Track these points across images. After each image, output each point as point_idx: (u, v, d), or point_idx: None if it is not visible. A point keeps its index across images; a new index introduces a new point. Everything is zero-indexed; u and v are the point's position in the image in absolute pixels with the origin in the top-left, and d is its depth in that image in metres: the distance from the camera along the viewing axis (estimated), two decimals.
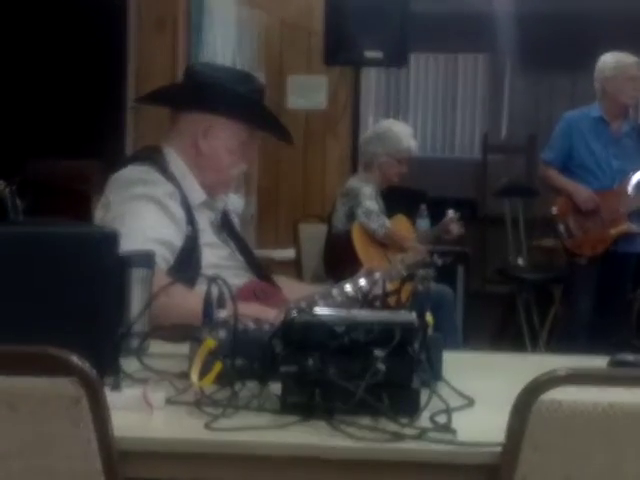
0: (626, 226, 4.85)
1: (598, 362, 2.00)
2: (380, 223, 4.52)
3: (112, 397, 1.56)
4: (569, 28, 7.44)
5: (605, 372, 1.68)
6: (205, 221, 2.54)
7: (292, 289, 2.59)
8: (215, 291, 1.89)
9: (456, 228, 4.81)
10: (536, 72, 8.41)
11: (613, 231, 4.85)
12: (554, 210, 4.97)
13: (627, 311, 5.12)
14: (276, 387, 1.67)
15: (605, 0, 6.68)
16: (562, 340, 4.96)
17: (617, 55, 4.91)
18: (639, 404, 1.49)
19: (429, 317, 1.83)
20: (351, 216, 4.62)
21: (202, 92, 2.52)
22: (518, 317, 5.91)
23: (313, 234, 4.96)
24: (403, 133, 4.82)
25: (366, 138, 4.89)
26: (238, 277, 2.45)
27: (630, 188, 4.85)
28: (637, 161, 4.89)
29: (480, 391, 1.80)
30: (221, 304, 1.89)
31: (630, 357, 2.02)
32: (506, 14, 6.66)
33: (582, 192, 4.86)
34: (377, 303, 2.12)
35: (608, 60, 4.91)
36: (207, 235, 2.51)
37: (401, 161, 4.79)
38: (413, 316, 1.74)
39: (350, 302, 2.28)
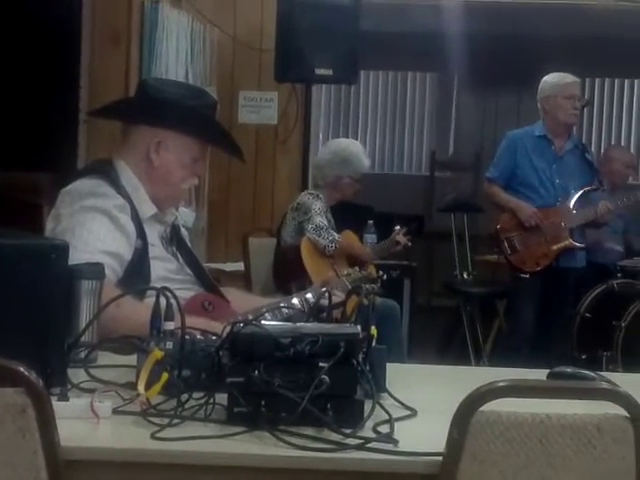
0: (568, 242, 4.94)
1: (538, 375, 2.04)
2: (330, 239, 4.56)
3: (59, 407, 1.57)
4: (515, 48, 7.54)
5: (543, 384, 1.72)
6: (155, 234, 2.55)
7: (241, 301, 2.61)
8: (163, 303, 1.91)
9: (403, 239, 4.87)
10: (483, 91, 8.50)
11: (555, 247, 4.94)
12: (498, 226, 5.05)
13: (568, 325, 5.21)
14: (222, 398, 1.68)
15: (550, 21, 6.76)
16: (505, 353, 5.03)
17: (557, 75, 5.02)
18: (576, 415, 1.53)
19: (373, 330, 1.86)
20: (300, 231, 4.65)
21: (154, 107, 2.54)
22: (463, 330, 5.97)
23: (263, 248, 4.98)
24: (361, 153, 4.89)
25: (325, 160, 4.89)
26: (187, 290, 2.47)
27: (572, 205, 4.96)
28: (579, 179, 4.99)
29: (423, 402, 1.83)
30: (169, 316, 1.91)
31: (568, 369, 2.06)
32: (455, 33, 6.73)
33: (525, 209, 4.94)
34: (324, 315, 2.15)
35: (549, 80, 5.02)
36: (156, 248, 2.53)
37: (359, 180, 4.87)
38: (357, 329, 1.77)
39: (298, 314, 2.31)
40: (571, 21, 6.83)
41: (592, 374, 2.02)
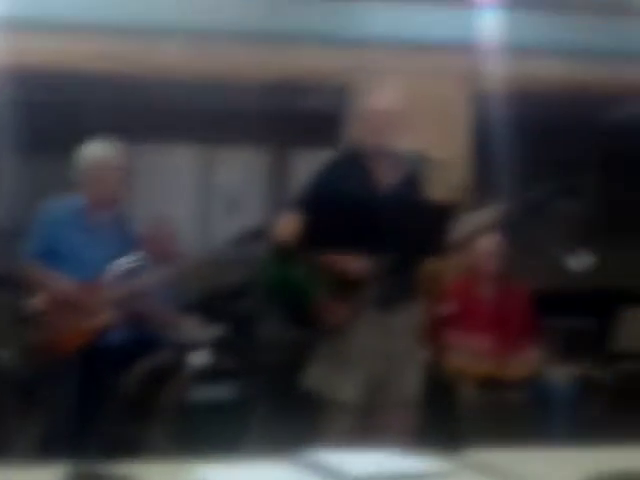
0: (106, 318, 4.66)
1: None
2: None
3: None
4: (66, 114, 7.32)
5: None
6: None
7: None
8: None
9: None
10: (30, 158, 8.15)
11: (92, 324, 4.66)
12: (35, 305, 4.66)
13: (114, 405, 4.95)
14: None
15: (93, 86, 6.62)
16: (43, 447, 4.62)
17: (94, 145, 4.77)
18: None
19: None
20: None
21: None
22: None
23: None
24: None
25: None
26: None
27: (110, 279, 4.71)
28: (118, 251, 4.78)
29: None
30: None
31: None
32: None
33: (62, 283, 4.62)
34: None
35: (86, 150, 4.77)
36: None
37: None
38: None
39: None
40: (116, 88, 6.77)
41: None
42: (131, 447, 4.84)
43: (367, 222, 3.91)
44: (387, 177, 4.24)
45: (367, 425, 4.11)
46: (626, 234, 8.90)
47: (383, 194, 4.19)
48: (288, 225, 4.15)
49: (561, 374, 5.24)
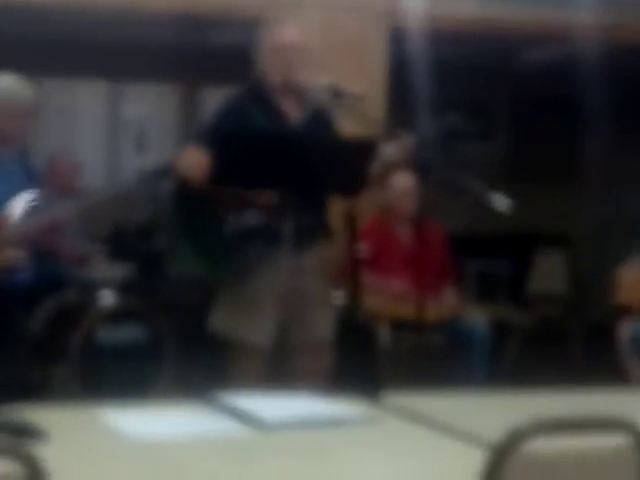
0: (9, 255, 4.47)
1: None
2: None
3: None
4: None
5: None
6: None
7: None
8: None
9: None
10: None
11: None
12: None
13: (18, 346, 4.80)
14: None
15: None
16: None
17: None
18: None
19: None
20: None
21: None
22: None
23: None
24: None
25: None
26: None
27: (13, 215, 4.52)
28: (21, 187, 4.59)
29: None
30: None
31: None
32: None
33: None
34: None
35: None
36: None
37: None
38: None
39: None
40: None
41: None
42: (36, 391, 4.73)
43: (273, 157, 3.80)
44: (294, 112, 4.14)
45: (280, 368, 4.04)
46: (537, 178, 8.97)
47: (290, 129, 4.09)
48: (192, 159, 4.03)
49: (478, 317, 5.25)
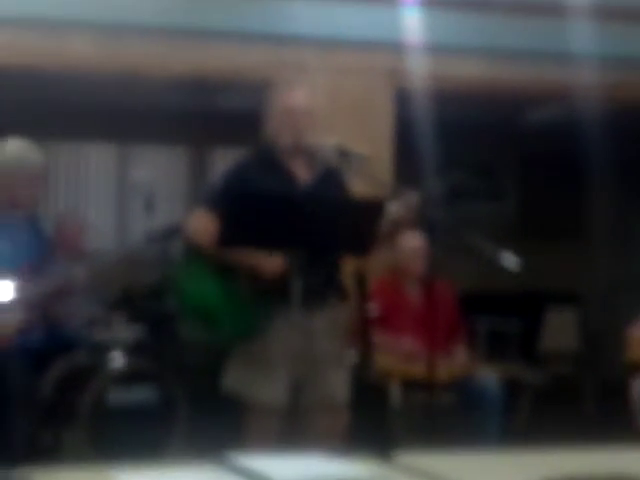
0: (20, 318, 4.47)
1: None
2: None
3: None
4: None
5: None
6: None
7: None
8: None
9: None
10: None
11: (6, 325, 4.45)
12: None
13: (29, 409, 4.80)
14: None
15: (3, 82, 6.44)
16: None
17: (7, 145, 4.53)
18: None
19: None
20: None
21: None
22: None
23: None
24: None
25: None
26: None
27: (23, 278, 4.54)
28: (31, 251, 4.59)
29: None
30: None
31: None
32: None
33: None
34: None
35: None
36: None
37: None
38: None
39: None
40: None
41: None
42: (47, 453, 4.71)
43: (284, 219, 3.82)
44: (304, 173, 4.18)
45: (293, 429, 4.03)
46: (545, 236, 8.98)
47: (300, 191, 4.12)
48: (200, 223, 4.06)
49: (489, 375, 5.23)
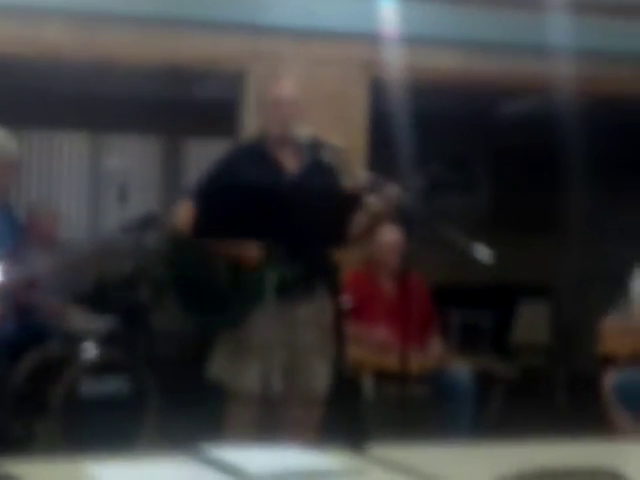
0: None
1: None
2: None
3: None
4: None
5: None
6: None
7: None
8: None
9: None
10: None
11: None
12: None
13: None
14: None
15: None
16: None
17: None
18: None
19: None
20: None
21: None
22: None
23: None
24: None
25: None
26: None
27: None
28: (4, 240, 4.57)
29: None
30: None
31: None
32: None
33: None
34: None
35: None
36: None
37: None
38: None
39: None
40: None
41: None
42: (18, 444, 4.69)
43: (270, 209, 3.83)
44: (292, 164, 4.19)
45: (272, 419, 4.03)
46: (519, 229, 9.01)
47: (287, 181, 4.13)
48: (185, 213, 4.06)
49: (462, 368, 5.25)
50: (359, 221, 4.08)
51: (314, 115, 4.50)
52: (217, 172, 4.19)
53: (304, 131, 4.11)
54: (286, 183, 4.11)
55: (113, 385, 4.98)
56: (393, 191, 3.97)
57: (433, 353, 5.27)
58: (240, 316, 4.01)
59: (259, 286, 3.92)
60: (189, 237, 4.00)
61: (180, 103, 8.23)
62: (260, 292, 3.94)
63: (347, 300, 4.56)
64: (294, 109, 4.16)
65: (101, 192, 8.78)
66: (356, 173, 4.25)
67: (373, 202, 4.06)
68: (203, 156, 8.86)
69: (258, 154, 4.18)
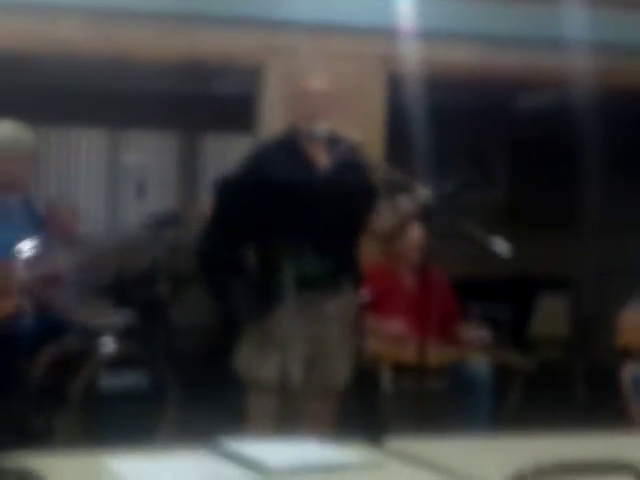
0: (14, 302, 4.47)
1: None
2: None
3: None
4: None
5: None
6: None
7: None
8: None
9: None
10: None
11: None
12: None
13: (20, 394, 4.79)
14: None
15: None
16: None
17: None
18: None
19: None
20: None
21: None
22: None
23: None
24: None
25: None
26: None
27: (17, 262, 4.52)
28: (25, 235, 4.59)
29: None
30: None
31: None
32: None
33: None
34: None
35: None
36: None
37: None
38: None
39: None
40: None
41: None
42: (38, 438, 4.71)
43: (304, 205, 3.85)
44: (323, 159, 4.17)
45: (291, 410, 4.06)
46: (537, 222, 8.99)
47: (319, 176, 4.13)
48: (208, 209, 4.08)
49: (480, 361, 5.25)
50: (389, 220, 4.09)
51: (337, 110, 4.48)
52: (248, 167, 4.17)
53: (322, 126, 4.11)
54: (318, 178, 4.11)
55: (132, 379, 5.00)
56: (424, 193, 3.97)
57: (454, 346, 5.27)
58: (267, 309, 4.02)
59: (288, 280, 3.93)
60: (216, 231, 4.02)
61: (197, 99, 8.24)
62: (288, 286, 3.94)
63: (366, 294, 4.57)
64: (326, 102, 4.13)
65: (119, 188, 8.81)
66: (388, 171, 4.23)
67: (404, 203, 4.06)
68: (221, 152, 8.88)
69: (289, 149, 4.15)
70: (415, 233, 5.31)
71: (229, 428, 3.79)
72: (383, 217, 4.12)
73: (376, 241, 4.27)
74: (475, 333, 5.39)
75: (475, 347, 5.26)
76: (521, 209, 9.19)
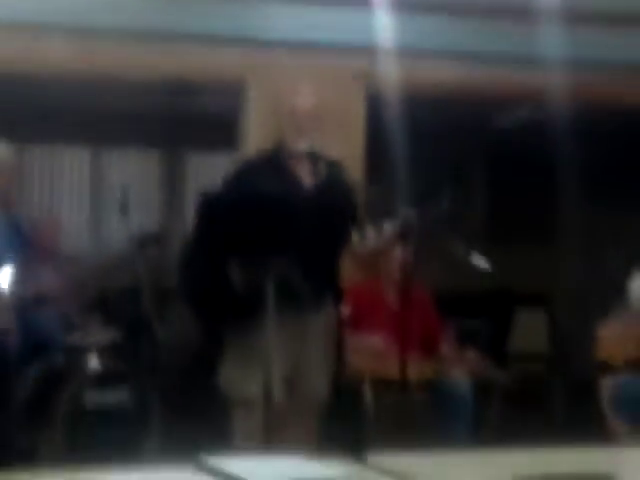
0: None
1: None
2: None
3: None
4: None
5: None
6: None
7: None
8: None
9: None
10: None
11: None
12: None
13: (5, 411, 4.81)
14: None
15: None
16: None
17: None
18: None
19: None
20: None
21: None
22: None
23: None
24: None
25: None
26: None
27: (5, 278, 4.52)
28: (11, 252, 4.61)
29: None
30: None
31: None
32: None
33: None
34: None
35: None
36: None
37: None
38: None
39: None
40: None
41: None
42: (23, 455, 4.72)
43: (288, 222, 3.87)
44: (308, 176, 4.19)
45: (274, 427, 4.07)
46: (516, 237, 9.04)
47: (303, 194, 4.16)
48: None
49: (460, 375, 5.28)
50: (374, 242, 4.13)
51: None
52: (231, 184, 4.18)
53: (306, 143, 4.14)
54: (302, 195, 4.13)
55: (116, 396, 5.01)
56: (412, 217, 4.01)
57: (435, 361, 5.30)
58: (249, 325, 4.04)
59: (270, 296, 3.95)
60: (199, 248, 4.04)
61: (181, 117, 8.27)
62: (270, 302, 3.96)
63: (346, 309, 4.61)
64: (312, 121, 4.15)
65: (103, 206, 8.81)
66: (370, 192, 4.27)
67: (387, 228, 4.10)
68: (204, 169, 8.91)
69: (273, 166, 4.17)
70: (397, 253, 5.34)
71: (213, 444, 3.82)
72: (367, 241, 4.15)
73: (359, 264, 4.29)
74: (464, 357, 5.42)
75: (463, 369, 5.28)
76: (500, 225, 9.23)
